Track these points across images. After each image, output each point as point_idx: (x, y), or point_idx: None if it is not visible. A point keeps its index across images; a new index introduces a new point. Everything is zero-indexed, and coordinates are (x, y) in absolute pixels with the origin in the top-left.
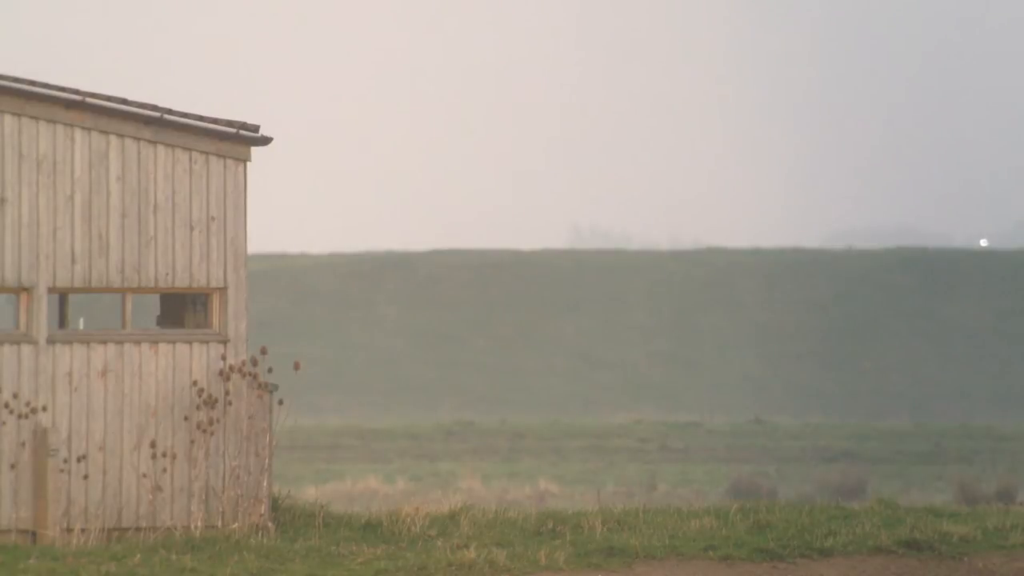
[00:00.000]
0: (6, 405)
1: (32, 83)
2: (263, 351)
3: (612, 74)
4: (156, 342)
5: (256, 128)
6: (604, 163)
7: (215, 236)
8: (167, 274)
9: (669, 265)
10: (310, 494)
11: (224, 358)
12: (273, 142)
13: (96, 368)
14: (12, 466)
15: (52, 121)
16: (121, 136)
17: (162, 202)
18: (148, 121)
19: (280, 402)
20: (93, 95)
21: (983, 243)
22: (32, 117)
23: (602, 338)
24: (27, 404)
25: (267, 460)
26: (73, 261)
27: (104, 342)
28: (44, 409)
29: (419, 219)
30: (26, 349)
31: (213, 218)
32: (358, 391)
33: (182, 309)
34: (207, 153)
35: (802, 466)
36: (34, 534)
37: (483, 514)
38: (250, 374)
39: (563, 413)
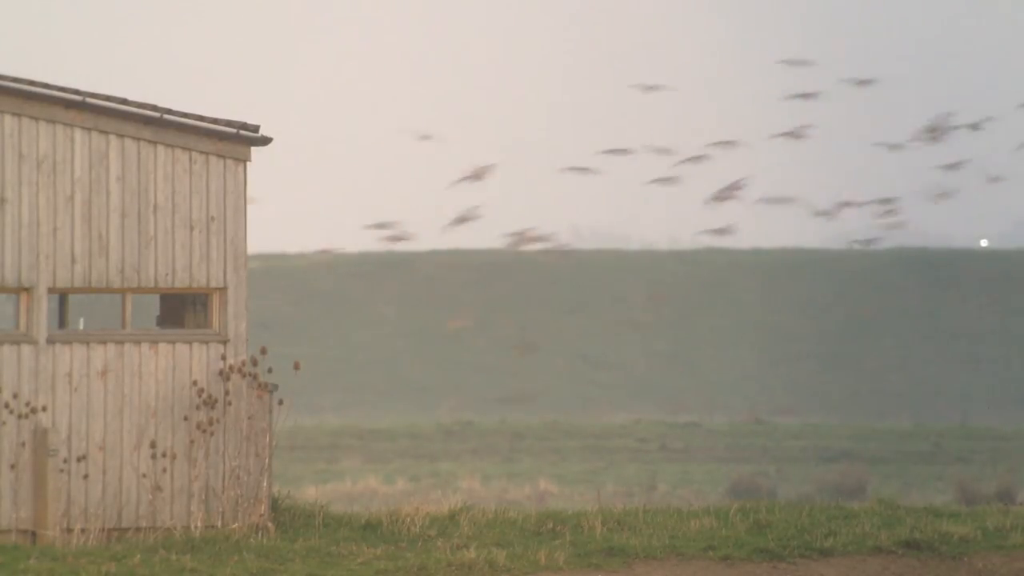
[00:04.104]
0: (6, 405)
1: (32, 83)
2: (263, 351)
3: (612, 74)
4: (156, 342)
5: (256, 128)
6: (604, 163)
7: (215, 236)
8: (167, 274)
9: (669, 265)
10: (310, 494)
11: (224, 358)
12: (273, 142)
13: (96, 368)
14: (12, 466)
15: (52, 121)
16: (121, 136)
17: (162, 202)
18: (148, 121)
19: (280, 402)
20: (93, 95)
21: (983, 243)
22: (32, 117)
23: (602, 338)
24: (27, 404)
25: (267, 460)
26: (73, 261)
27: (104, 342)
28: (44, 409)
29: (419, 219)
30: (26, 349)
31: (213, 218)
32: (358, 391)
33: (182, 309)
34: (207, 153)
35: (802, 466)
36: (34, 534)
37: (483, 514)
38: (250, 374)
39: (563, 413)
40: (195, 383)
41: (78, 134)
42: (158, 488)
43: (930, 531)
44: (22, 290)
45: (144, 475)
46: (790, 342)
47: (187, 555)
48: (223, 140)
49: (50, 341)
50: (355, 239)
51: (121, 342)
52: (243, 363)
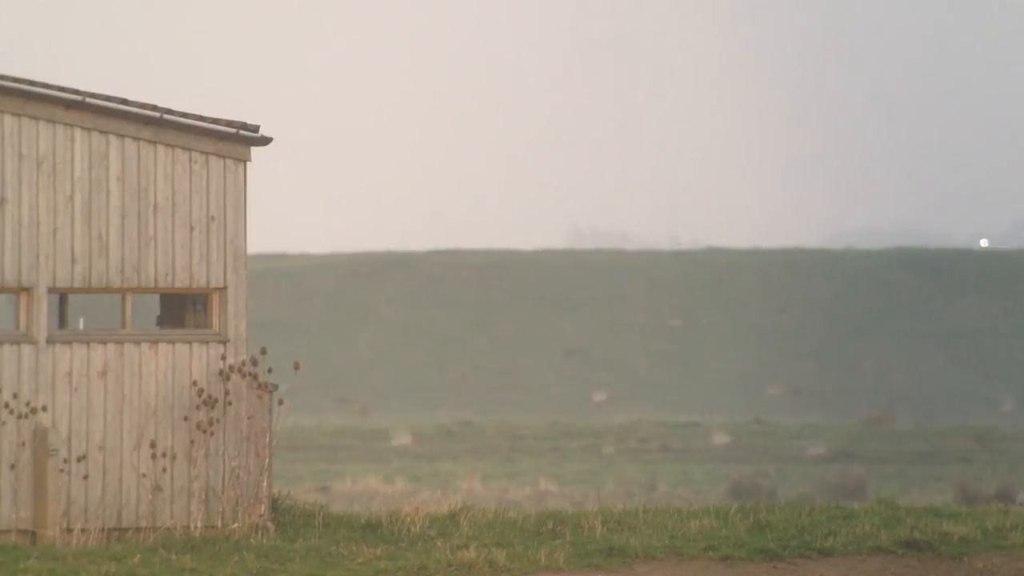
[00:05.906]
0: (6, 405)
1: (32, 83)
2: (263, 351)
3: (612, 74)
4: (156, 342)
5: (256, 128)
6: (604, 163)
7: (215, 236)
8: (167, 274)
9: (669, 265)
10: (310, 494)
11: (224, 358)
12: (273, 142)
13: (96, 368)
14: (12, 466)
15: (52, 121)
16: (121, 136)
17: (162, 202)
18: (148, 121)
19: (280, 402)
20: (93, 95)
21: (983, 243)
22: (32, 117)
23: (602, 338)
24: (27, 404)
25: (267, 460)
26: (73, 261)
27: (104, 342)
28: (44, 409)
29: (419, 219)
30: (26, 349)
31: (213, 218)
32: (358, 391)
33: (182, 309)
34: (207, 153)
35: (802, 466)
36: (34, 534)
37: (483, 514)
38: (250, 374)
39: (563, 413)
40: (195, 383)
41: (78, 134)
42: (158, 488)
43: (930, 531)
44: (22, 290)
45: (144, 475)
46: (790, 342)
47: (187, 555)
48: (223, 140)
49: (50, 341)
50: (355, 239)
51: (121, 342)
52: (243, 363)
